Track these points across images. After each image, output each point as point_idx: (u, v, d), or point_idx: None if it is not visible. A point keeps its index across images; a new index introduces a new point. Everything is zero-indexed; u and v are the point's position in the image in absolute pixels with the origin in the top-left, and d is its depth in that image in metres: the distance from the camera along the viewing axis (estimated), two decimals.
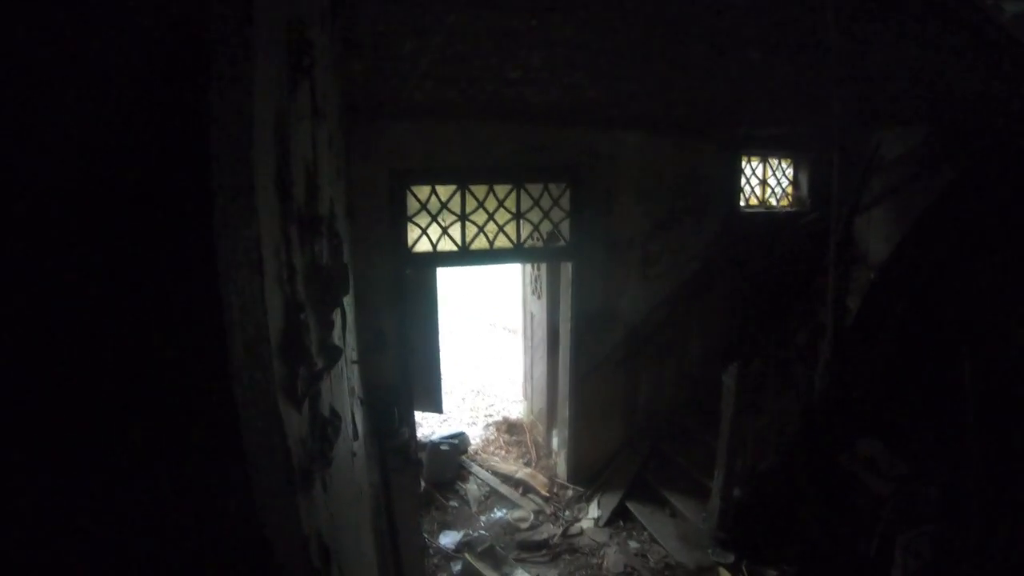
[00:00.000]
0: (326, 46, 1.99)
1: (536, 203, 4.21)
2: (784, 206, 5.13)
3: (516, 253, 4.30)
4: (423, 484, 4.56)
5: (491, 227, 4.16)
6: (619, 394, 4.69)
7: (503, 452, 5.29)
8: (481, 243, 4.14)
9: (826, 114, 3.30)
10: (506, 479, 4.79)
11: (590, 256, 4.35)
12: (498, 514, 4.43)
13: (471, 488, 4.70)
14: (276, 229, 0.95)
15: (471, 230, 4.06)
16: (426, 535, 4.09)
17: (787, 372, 3.76)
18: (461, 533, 4.15)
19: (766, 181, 5.09)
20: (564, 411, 4.66)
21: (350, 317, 2.43)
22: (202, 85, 0.61)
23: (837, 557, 3.46)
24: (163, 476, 0.64)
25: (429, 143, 3.82)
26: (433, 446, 4.81)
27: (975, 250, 3.61)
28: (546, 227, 4.36)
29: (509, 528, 4.25)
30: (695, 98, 4.14)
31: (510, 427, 5.66)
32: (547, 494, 4.60)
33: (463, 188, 3.99)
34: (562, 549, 4.03)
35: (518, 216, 4.18)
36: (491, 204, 4.12)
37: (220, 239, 0.62)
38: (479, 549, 3.88)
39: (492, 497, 4.62)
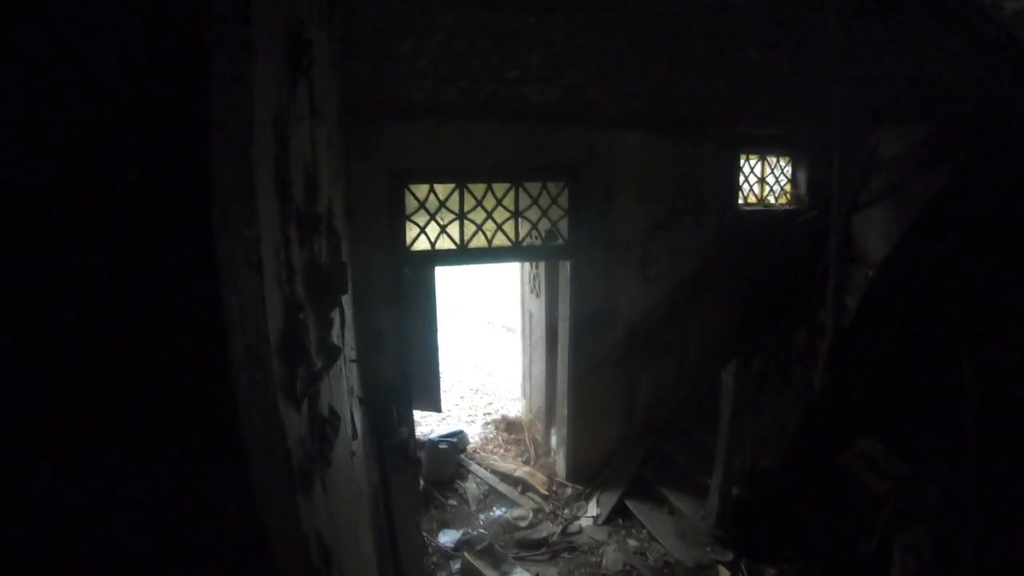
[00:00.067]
0: (324, 45, 1.99)
1: (535, 201, 4.21)
2: (783, 204, 5.13)
3: (514, 252, 4.30)
4: (422, 483, 4.56)
5: (489, 226, 4.16)
6: (618, 393, 4.69)
7: (502, 450, 5.29)
8: (480, 241, 4.14)
9: (825, 113, 3.31)
10: (505, 477, 4.79)
11: (589, 255, 4.35)
12: (497, 512, 4.43)
13: (470, 487, 4.70)
14: (276, 229, 0.95)
15: (469, 228, 4.05)
16: (425, 534, 4.09)
17: (787, 371, 3.76)
18: (460, 531, 4.15)
19: (764, 179, 5.09)
20: (563, 409, 4.66)
21: (348, 316, 2.43)
22: (202, 85, 0.61)
23: (836, 556, 3.46)
24: (163, 476, 0.64)
25: (428, 143, 3.82)
26: (432, 445, 4.81)
27: (974, 249, 3.61)
28: (544, 226, 4.36)
29: (508, 526, 4.26)
30: (694, 98, 4.14)
31: (509, 425, 5.66)
32: (546, 492, 4.60)
33: (462, 187, 3.98)
34: (561, 547, 4.03)
35: (516, 215, 4.18)
36: (489, 202, 4.11)
37: (220, 240, 0.62)
38: (478, 547, 3.89)
39: (491, 495, 4.63)
